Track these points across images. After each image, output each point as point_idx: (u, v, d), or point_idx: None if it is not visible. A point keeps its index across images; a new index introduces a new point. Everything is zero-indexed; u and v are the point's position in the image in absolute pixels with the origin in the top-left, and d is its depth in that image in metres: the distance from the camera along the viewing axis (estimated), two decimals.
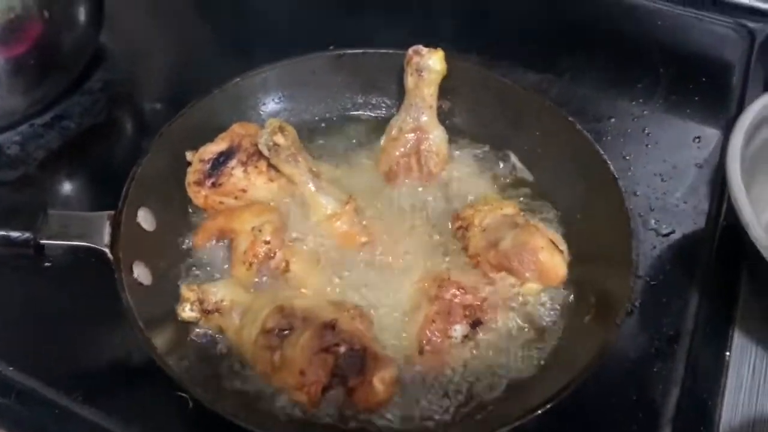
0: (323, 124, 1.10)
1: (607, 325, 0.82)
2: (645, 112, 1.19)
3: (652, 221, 1.04)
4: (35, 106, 1.16)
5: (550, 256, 0.86)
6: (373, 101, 1.12)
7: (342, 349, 0.80)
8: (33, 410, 0.87)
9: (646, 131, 1.16)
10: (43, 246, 0.86)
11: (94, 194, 1.11)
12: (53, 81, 1.15)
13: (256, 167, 0.95)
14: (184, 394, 0.82)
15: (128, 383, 0.89)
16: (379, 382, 0.79)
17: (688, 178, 1.09)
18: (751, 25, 1.31)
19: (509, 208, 0.94)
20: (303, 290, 0.90)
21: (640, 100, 1.21)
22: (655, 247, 1.01)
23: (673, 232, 1.03)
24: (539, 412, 0.75)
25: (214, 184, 0.95)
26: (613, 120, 1.17)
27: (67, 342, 0.92)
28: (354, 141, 1.08)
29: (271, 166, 0.95)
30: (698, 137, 1.15)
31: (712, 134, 1.15)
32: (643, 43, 1.31)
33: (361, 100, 1.11)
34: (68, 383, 0.88)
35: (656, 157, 1.12)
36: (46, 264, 0.98)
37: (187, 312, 0.86)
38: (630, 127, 1.16)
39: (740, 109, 1.01)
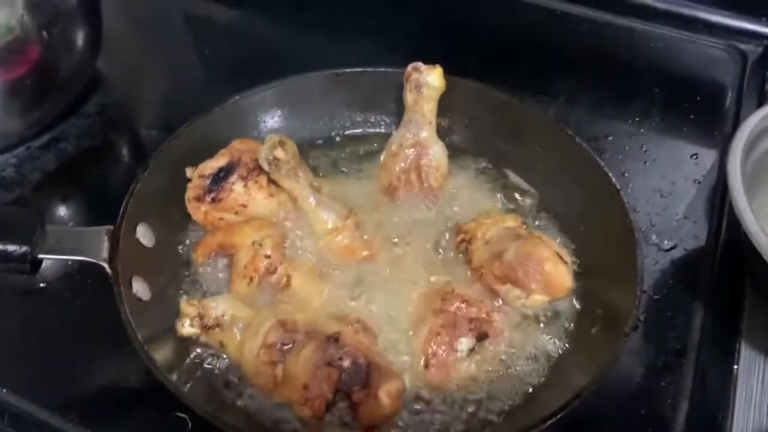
0: (322, 142, 1.10)
1: (615, 336, 0.81)
2: (642, 131, 1.19)
3: (654, 237, 1.03)
4: (32, 128, 1.15)
5: (555, 267, 0.85)
6: (372, 119, 1.12)
7: (346, 362, 0.78)
8: None
9: (644, 149, 1.16)
10: (39, 261, 0.84)
11: (90, 216, 1.09)
12: (50, 104, 1.15)
13: (256, 182, 0.94)
14: (182, 415, 0.80)
15: (125, 405, 0.87)
16: (385, 395, 0.77)
17: (687, 194, 1.09)
18: (742, 46, 1.33)
19: (511, 221, 0.94)
20: (304, 304, 0.88)
21: (637, 119, 1.21)
22: (657, 263, 1.00)
23: (674, 247, 1.02)
24: (547, 424, 0.74)
25: (214, 200, 0.94)
26: (610, 138, 1.17)
27: (61, 363, 0.90)
28: (353, 158, 1.08)
29: (271, 181, 0.94)
30: (695, 154, 1.15)
31: (709, 151, 1.16)
32: (637, 65, 1.31)
33: (359, 118, 1.11)
34: (63, 405, 0.86)
35: (655, 174, 1.12)
36: (41, 284, 0.97)
37: (186, 327, 0.84)
38: (627, 145, 1.17)
39: (735, 127, 1.02)
